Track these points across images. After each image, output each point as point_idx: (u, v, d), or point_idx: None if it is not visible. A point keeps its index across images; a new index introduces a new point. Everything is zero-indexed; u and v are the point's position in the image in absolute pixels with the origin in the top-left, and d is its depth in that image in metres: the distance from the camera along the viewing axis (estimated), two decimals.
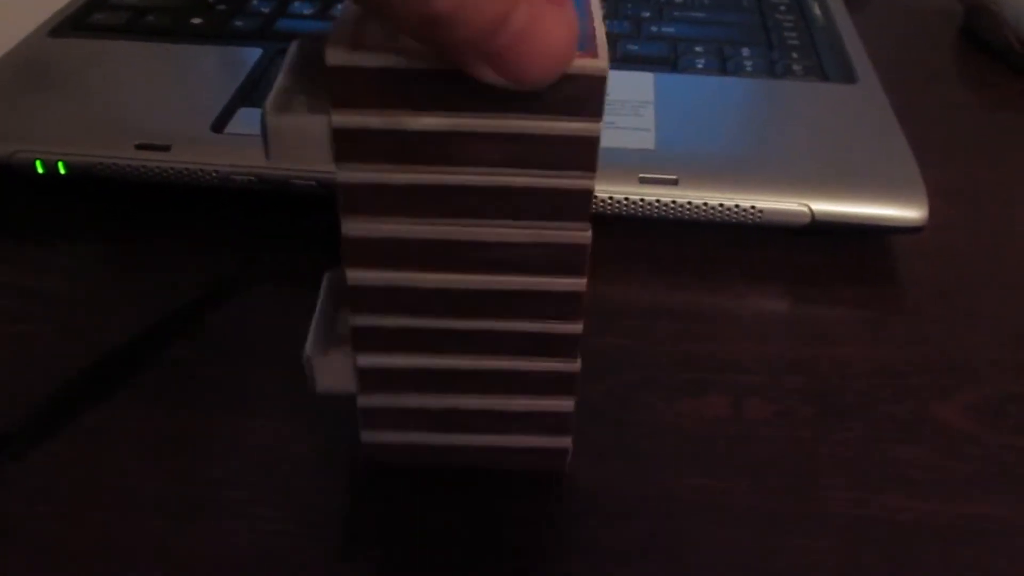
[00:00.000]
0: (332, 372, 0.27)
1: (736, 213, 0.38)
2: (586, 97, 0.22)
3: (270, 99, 0.23)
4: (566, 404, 0.28)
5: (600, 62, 0.22)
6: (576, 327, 0.27)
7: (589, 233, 0.25)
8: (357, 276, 0.25)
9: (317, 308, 0.28)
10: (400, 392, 0.28)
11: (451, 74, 0.22)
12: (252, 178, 0.39)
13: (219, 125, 0.41)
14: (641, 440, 0.31)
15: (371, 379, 0.27)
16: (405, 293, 0.26)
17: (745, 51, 0.48)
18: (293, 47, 0.25)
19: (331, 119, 0.23)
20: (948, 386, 0.34)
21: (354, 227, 0.24)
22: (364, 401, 0.28)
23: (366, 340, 0.27)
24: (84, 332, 0.35)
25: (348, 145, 0.23)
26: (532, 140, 0.23)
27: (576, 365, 0.27)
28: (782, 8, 0.53)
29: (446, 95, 0.22)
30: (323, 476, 0.30)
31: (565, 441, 0.29)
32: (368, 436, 0.29)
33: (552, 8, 0.20)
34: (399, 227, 0.25)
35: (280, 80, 0.24)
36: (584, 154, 0.23)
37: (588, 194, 0.24)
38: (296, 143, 0.23)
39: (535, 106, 0.23)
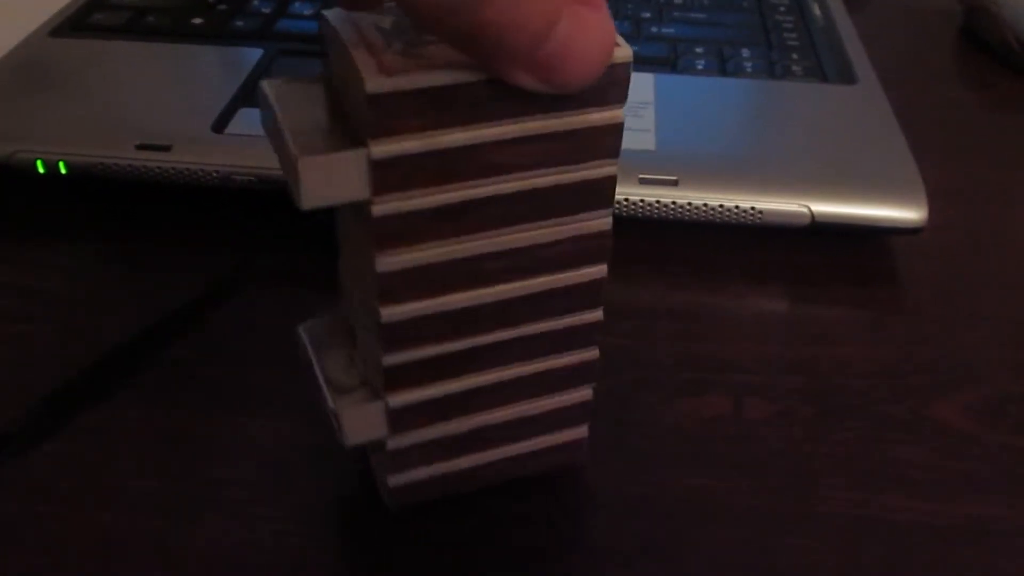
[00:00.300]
0: (363, 421, 0.26)
1: (736, 214, 0.39)
2: (613, 85, 0.23)
3: (291, 144, 0.21)
4: (586, 393, 0.28)
5: (625, 49, 0.22)
6: (598, 314, 0.27)
7: (611, 218, 0.25)
8: (392, 313, 0.24)
9: (313, 363, 0.27)
10: (430, 424, 0.27)
11: (483, 84, 0.21)
12: (252, 178, 0.39)
13: (220, 125, 0.41)
14: (641, 440, 0.31)
15: (402, 418, 0.26)
16: (438, 319, 0.25)
17: (745, 52, 0.48)
18: (267, 89, 0.23)
19: (370, 151, 0.21)
20: (948, 386, 0.34)
21: (390, 262, 0.23)
22: (395, 443, 0.27)
23: (399, 378, 0.25)
24: (84, 332, 0.35)
25: (386, 175, 0.22)
26: (562, 136, 0.23)
27: (596, 352, 0.28)
28: (782, 9, 0.53)
29: (479, 106, 0.22)
30: (323, 476, 0.30)
31: (583, 430, 0.29)
32: (396, 479, 0.28)
33: (592, 13, 0.20)
34: (434, 252, 0.24)
35: (283, 123, 0.22)
36: (610, 141, 0.24)
37: (613, 180, 0.24)
38: (331, 183, 0.22)
39: (564, 103, 0.22)
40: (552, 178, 0.24)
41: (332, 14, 0.23)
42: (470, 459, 0.28)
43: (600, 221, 0.25)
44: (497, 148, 0.23)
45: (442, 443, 0.27)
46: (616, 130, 0.23)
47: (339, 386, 0.26)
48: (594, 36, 0.21)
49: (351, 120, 0.22)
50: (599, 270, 0.26)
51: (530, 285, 0.25)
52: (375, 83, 0.21)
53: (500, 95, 0.22)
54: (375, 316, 0.24)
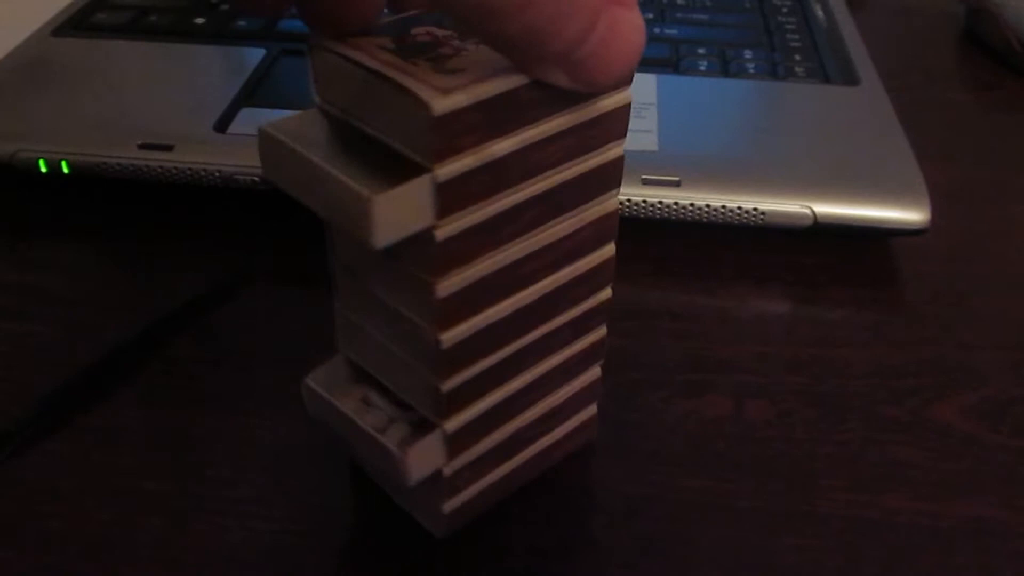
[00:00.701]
0: (426, 456, 0.25)
1: (738, 215, 0.38)
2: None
3: (351, 183, 0.20)
4: (596, 371, 0.29)
5: None
6: (608, 292, 0.27)
7: (618, 197, 0.26)
8: (450, 337, 0.23)
9: (349, 415, 0.26)
10: (479, 441, 0.26)
11: (525, 88, 0.21)
12: (255, 178, 0.39)
13: (222, 125, 0.41)
14: (642, 440, 0.31)
15: (458, 441, 0.26)
16: (486, 334, 0.24)
17: (747, 53, 0.48)
18: (278, 135, 0.22)
19: (436, 175, 0.21)
20: (948, 387, 0.34)
21: (448, 285, 0.23)
22: (450, 468, 0.26)
23: (455, 402, 0.25)
24: (85, 331, 0.35)
25: (449, 197, 0.21)
26: (586, 126, 0.23)
27: (604, 329, 0.28)
28: (784, 10, 0.53)
29: (521, 110, 0.22)
30: (323, 476, 0.30)
31: (594, 408, 0.30)
32: (451, 504, 0.27)
33: (626, 13, 0.21)
34: (483, 266, 0.23)
35: (324, 164, 0.21)
36: (621, 122, 0.24)
37: (622, 160, 0.25)
38: (403, 216, 0.21)
39: (585, 93, 0.23)
40: (577, 168, 0.24)
41: (329, 43, 0.22)
42: (510, 464, 0.28)
43: (611, 201, 0.26)
44: (537, 148, 0.23)
45: (488, 456, 0.27)
46: (626, 111, 0.24)
47: (388, 422, 0.26)
48: (628, 36, 0.21)
49: (394, 146, 0.21)
50: (610, 248, 0.27)
51: (558, 278, 0.25)
52: (441, 104, 0.20)
53: (537, 96, 0.22)
54: (431, 344, 0.24)
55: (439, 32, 0.22)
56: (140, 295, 0.37)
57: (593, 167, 0.24)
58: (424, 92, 0.20)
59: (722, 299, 0.37)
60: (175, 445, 0.31)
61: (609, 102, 0.24)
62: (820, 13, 0.53)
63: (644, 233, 0.40)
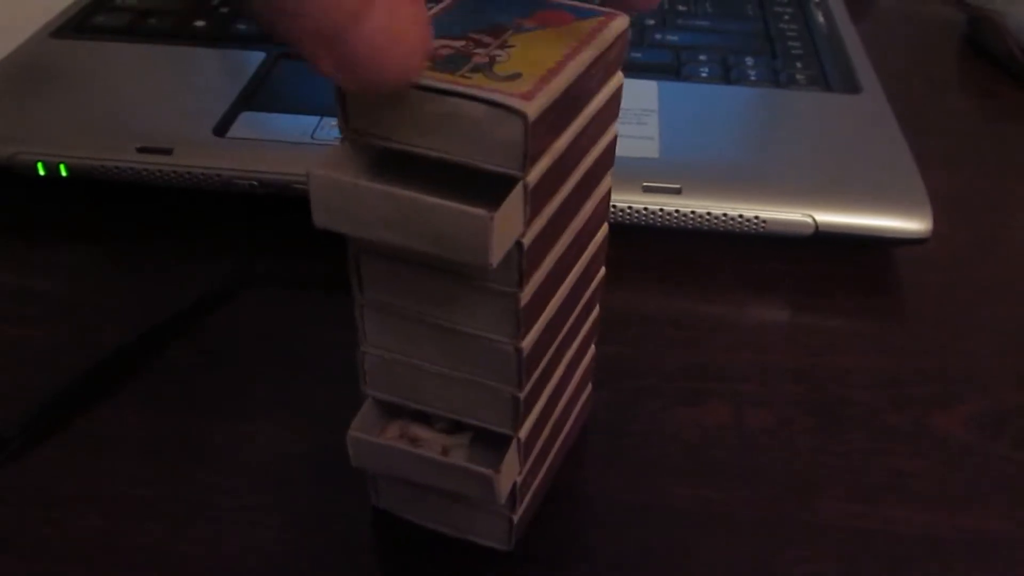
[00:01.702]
0: (510, 471, 0.25)
1: (739, 223, 0.38)
2: (621, 54, 0.24)
3: (460, 208, 0.20)
4: (593, 349, 0.30)
5: (623, 21, 0.23)
6: (603, 272, 0.28)
7: (610, 178, 0.26)
8: (528, 342, 0.23)
9: (427, 456, 0.25)
10: (536, 441, 0.26)
11: (575, 81, 0.21)
12: (254, 182, 0.39)
13: (221, 129, 0.41)
14: (641, 449, 0.31)
15: (526, 448, 0.26)
16: (547, 330, 0.24)
17: (749, 60, 0.48)
18: (343, 183, 0.21)
19: (527, 182, 0.21)
20: (949, 397, 0.34)
21: (528, 291, 0.22)
22: (519, 476, 0.26)
23: (526, 408, 0.25)
24: (83, 334, 0.35)
25: (535, 202, 0.21)
26: (602, 110, 0.24)
27: (598, 310, 0.29)
28: (786, 17, 0.53)
29: (573, 103, 0.22)
30: (320, 482, 0.30)
31: (590, 386, 0.30)
32: (517, 514, 0.27)
33: (408, 6, 0.18)
34: (546, 264, 0.23)
35: (427, 200, 0.20)
36: (616, 104, 0.25)
37: (616, 139, 0.26)
38: (510, 230, 0.21)
39: (600, 76, 0.23)
40: (595, 150, 0.25)
41: None
42: (549, 458, 0.28)
43: (608, 179, 0.26)
44: (580, 137, 0.23)
45: (539, 455, 0.27)
46: (620, 92, 0.25)
47: (457, 445, 0.26)
48: (408, 29, 0.18)
49: (467, 162, 0.21)
50: (605, 230, 0.27)
51: (582, 262, 0.26)
52: (533, 110, 0.20)
53: (581, 87, 0.22)
54: (509, 355, 0.23)
55: (455, 43, 0.22)
56: (138, 298, 0.37)
57: (602, 148, 0.25)
58: (512, 101, 0.20)
59: (722, 307, 0.37)
60: (172, 450, 0.31)
61: (616, 82, 0.24)
62: (822, 20, 0.53)
63: (644, 240, 0.40)
